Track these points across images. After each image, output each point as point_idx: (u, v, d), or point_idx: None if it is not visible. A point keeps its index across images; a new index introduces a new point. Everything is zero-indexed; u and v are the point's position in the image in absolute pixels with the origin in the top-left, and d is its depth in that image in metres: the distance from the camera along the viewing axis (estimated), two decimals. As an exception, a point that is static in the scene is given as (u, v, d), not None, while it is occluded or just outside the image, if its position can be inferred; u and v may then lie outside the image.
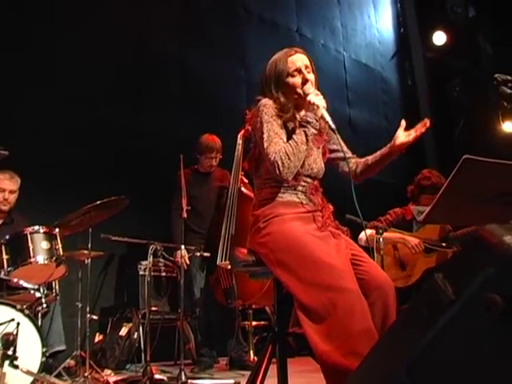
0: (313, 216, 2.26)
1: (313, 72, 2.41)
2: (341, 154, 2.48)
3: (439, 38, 8.49)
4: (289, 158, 2.17)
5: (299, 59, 2.37)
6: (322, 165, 2.44)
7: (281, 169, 2.17)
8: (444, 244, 3.95)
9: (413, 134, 2.35)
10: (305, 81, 2.34)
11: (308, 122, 2.26)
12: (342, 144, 2.50)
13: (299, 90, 2.34)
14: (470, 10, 8.52)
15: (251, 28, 6.93)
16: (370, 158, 2.49)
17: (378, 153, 2.46)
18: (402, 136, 2.35)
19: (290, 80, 2.35)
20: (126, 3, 5.67)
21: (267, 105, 2.30)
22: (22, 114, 4.69)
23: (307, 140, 2.24)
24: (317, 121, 2.27)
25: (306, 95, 2.31)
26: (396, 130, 2.38)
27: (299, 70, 2.35)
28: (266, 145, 2.22)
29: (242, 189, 4.23)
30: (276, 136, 2.24)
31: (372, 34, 8.91)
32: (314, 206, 2.31)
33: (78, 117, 5.00)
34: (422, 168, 4.53)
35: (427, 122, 2.34)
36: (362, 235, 3.94)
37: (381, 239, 3.73)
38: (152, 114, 5.60)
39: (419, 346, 1.06)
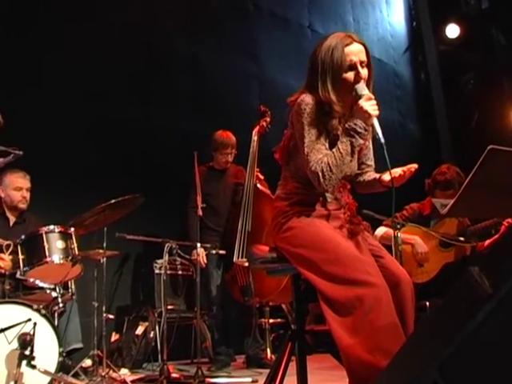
0: (333, 214, 2.19)
1: (367, 66, 2.15)
2: (369, 162, 2.40)
3: (452, 30, 8.42)
4: (331, 170, 2.02)
5: (356, 51, 2.11)
6: (356, 167, 2.27)
7: (321, 180, 2.03)
8: (462, 238, 3.89)
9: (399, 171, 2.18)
10: (358, 78, 2.10)
11: (357, 133, 2.05)
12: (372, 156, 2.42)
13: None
14: (482, 2, 8.42)
15: (262, 23, 6.86)
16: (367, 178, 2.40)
17: (372, 177, 2.37)
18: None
19: (343, 75, 2.11)
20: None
21: (310, 104, 2.09)
22: (32, 114, 4.65)
23: (353, 152, 2.07)
24: (366, 130, 2.07)
25: (358, 97, 2.09)
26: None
27: (353, 65, 2.10)
28: (306, 150, 2.06)
29: (258, 185, 4.20)
30: (318, 142, 2.07)
31: (384, 28, 8.83)
32: (338, 204, 2.23)
33: (89, 116, 4.98)
34: (437, 162, 4.46)
35: (415, 166, 2.20)
36: (378, 231, 3.90)
37: (399, 234, 3.68)
38: (164, 112, 5.57)
39: (454, 343, 1.02)
